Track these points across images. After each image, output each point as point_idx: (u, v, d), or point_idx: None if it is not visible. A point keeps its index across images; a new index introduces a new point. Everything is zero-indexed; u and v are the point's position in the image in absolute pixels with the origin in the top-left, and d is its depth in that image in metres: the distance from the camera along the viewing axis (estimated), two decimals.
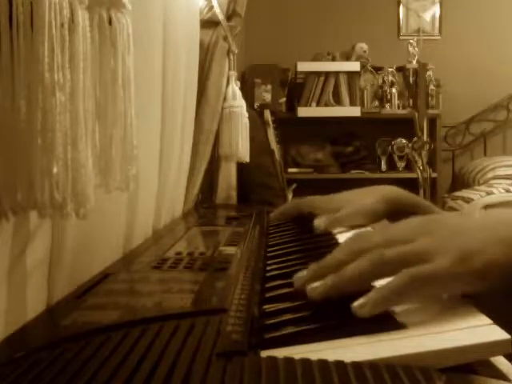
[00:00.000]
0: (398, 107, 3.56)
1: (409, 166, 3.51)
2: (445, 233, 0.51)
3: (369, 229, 0.85)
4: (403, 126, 3.41)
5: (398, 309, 0.48)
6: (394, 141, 3.54)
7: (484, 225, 0.52)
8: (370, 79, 3.57)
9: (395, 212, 0.86)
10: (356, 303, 0.46)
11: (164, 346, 0.40)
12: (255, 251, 0.75)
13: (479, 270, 0.47)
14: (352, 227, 0.88)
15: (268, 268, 0.67)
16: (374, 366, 0.36)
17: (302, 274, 0.54)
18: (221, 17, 1.43)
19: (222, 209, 1.43)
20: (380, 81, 3.57)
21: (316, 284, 0.50)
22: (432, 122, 3.47)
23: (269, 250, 0.79)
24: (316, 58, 3.55)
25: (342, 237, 0.86)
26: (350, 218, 0.88)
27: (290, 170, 3.42)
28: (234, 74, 1.51)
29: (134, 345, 0.40)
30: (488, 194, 3.03)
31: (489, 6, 3.73)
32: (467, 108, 3.67)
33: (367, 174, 3.50)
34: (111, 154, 0.50)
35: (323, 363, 0.36)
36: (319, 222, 0.87)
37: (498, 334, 0.42)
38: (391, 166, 3.62)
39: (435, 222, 0.54)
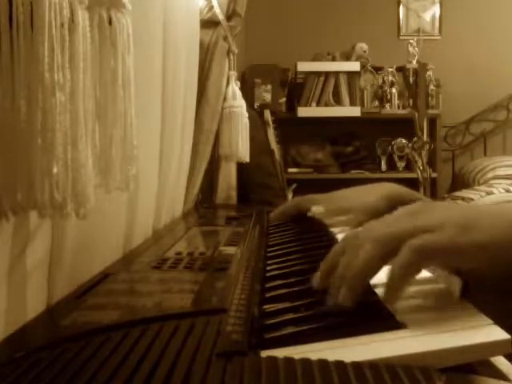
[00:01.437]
0: (398, 107, 3.56)
1: (409, 166, 3.51)
2: (447, 210, 0.52)
3: None
4: (403, 126, 3.41)
5: (397, 308, 0.48)
6: (394, 141, 3.54)
7: (488, 207, 0.54)
8: (369, 79, 3.57)
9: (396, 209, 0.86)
10: (382, 296, 0.48)
11: (164, 346, 0.40)
12: (255, 251, 0.75)
13: (481, 243, 0.48)
14: (353, 226, 0.88)
15: (268, 268, 0.67)
16: (373, 365, 0.36)
17: (316, 275, 0.55)
18: (221, 17, 1.43)
19: (222, 209, 1.43)
20: (380, 81, 3.57)
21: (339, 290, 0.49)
22: (432, 121, 3.47)
23: (269, 250, 0.79)
24: (316, 58, 3.55)
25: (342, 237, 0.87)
26: (349, 213, 0.88)
27: (290, 169, 3.42)
28: (234, 74, 1.51)
29: (133, 345, 0.40)
30: (488, 193, 3.03)
31: (489, 6, 3.73)
32: (467, 108, 3.67)
33: (367, 174, 3.50)
34: (111, 154, 0.50)
35: (323, 363, 0.36)
36: (318, 208, 0.87)
37: (497, 334, 0.42)
38: (391, 166, 3.62)
39: (436, 204, 0.56)
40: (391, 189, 0.90)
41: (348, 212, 0.88)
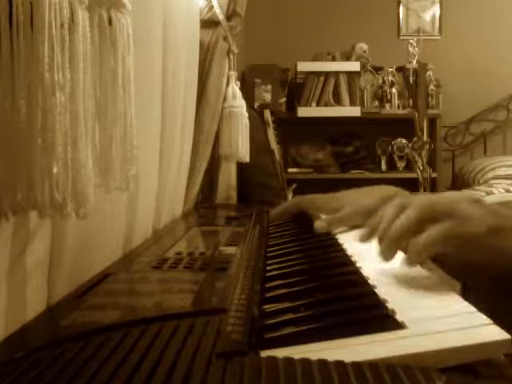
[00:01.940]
0: (398, 107, 3.56)
1: (409, 166, 3.51)
2: (484, 210, 0.61)
3: None
4: (403, 126, 3.41)
5: (397, 308, 0.48)
6: (394, 141, 3.54)
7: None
8: (369, 79, 3.57)
9: None
10: (402, 259, 0.58)
11: (164, 346, 0.40)
12: (255, 251, 0.75)
13: (503, 248, 0.57)
14: (352, 227, 0.88)
15: (268, 268, 0.67)
16: (373, 366, 0.36)
17: (364, 230, 0.67)
18: (221, 17, 1.43)
19: (222, 209, 1.43)
20: (380, 81, 3.57)
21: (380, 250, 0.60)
22: (432, 121, 3.47)
23: (269, 250, 0.79)
24: (316, 58, 3.55)
25: (342, 237, 0.87)
26: (350, 218, 0.88)
27: (290, 169, 3.42)
28: (234, 74, 1.51)
29: (134, 345, 0.40)
30: (488, 193, 3.02)
31: (489, 6, 3.73)
32: (467, 108, 3.67)
33: (367, 174, 3.50)
34: (111, 154, 0.50)
35: (323, 363, 0.36)
36: (320, 224, 0.88)
37: (497, 334, 0.42)
38: (391, 166, 3.62)
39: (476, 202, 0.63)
40: (389, 191, 0.94)
41: (347, 215, 0.89)
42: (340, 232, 0.91)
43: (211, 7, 1.42)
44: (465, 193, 0.84)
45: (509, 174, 3.25)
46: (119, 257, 0.76)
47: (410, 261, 0.57)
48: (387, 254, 0.59)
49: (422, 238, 0.56)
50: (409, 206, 0.60)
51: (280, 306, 0.51)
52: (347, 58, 3.57)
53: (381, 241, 0.61)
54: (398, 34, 3.83)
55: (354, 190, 0.99)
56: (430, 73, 3.53)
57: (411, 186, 3.14)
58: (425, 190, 3.05)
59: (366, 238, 0.66)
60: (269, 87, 3.45)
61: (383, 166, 3.64)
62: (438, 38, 3.82)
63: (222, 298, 0.51)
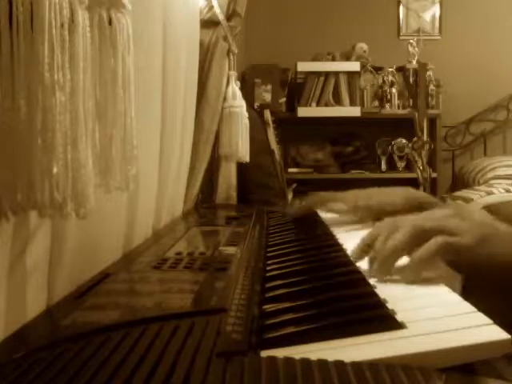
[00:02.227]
0: (398, 107, 3.55)
1: (409, 166, 3.51)
2: (474, 219, 0.64)
3: None
4: (403, 126, 3.40)
5: (397, 308, 0.48)
6: (394, 141, 3.54)
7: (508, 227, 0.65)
8: (369, 79, 3.56)
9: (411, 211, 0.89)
10: (396, 269, 0.59)
11: (164, 346, 0.40)
12: (255, 251, 0.75)
13: (493, 256, 0.60)
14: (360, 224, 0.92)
15: (268, 268, 0.67)
16: (373, 366, 0.36)
17: (355, 248, 0.68)
18: (221, 17, 1.43)
19: (222, 209, 1.43)
20: (380, 81, 3.57)
21: (374, 266, 0.61)
22: (432, 121, 3.47)
23: (269, 250, 0.79)
24: (316, 58, 3.54)
25: (342, 237, 0.87)
26: (369, 211, 0.92)
27: (290, 169, 3.42)
28: (234, 74, 1.51)
29: (134, 345, 0.40)
30: (488, 193, 3.02)
31: (489, 5, 3.73)
32: (467, 108, 3.66)
33: (367, 174, 3.50)
34: (111, 154, 0.50)
35: (323, 363, 0.36)
36: (337, 205, 0.92)
37: (497, 334, 0.42)
38: (391, 166, 3.62)
39: (466, 211, 0.67)
40: (409, 192, 0.96)
41: (368, 210, 0.92)
42: (340, 232, 0.91)
43: (211, 7, 1.42)
44: (453, 207, 0.88)
45: (509, 173, 3.25)
46: (119, 257, 0.76)
47: (409, 276, 0.59)
48: (379, 274, 0.61)
49: (418, 253, 0.59)
50: (401, 225, 0.63)
51: (280, 305, 0.51)
52: (347, 58, 3.57)
53: (372, 260, 0.63)
54: (398, 34, 3.83)
55: (374, 189, 1.01)
56: (429, 73, 3.53)
57: (411, 186, 3.13)
58: (425, 190, 3.05)
59: (358, 258, 0.67)
60: (269, 87, 3.44)
61: (383, 166, 3.63)
62: (438, 37, 3.82)
63: (221, 297, 0.51)
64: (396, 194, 0.95)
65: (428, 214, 0.67)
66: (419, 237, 0.61)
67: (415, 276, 0.58)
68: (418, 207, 0.89)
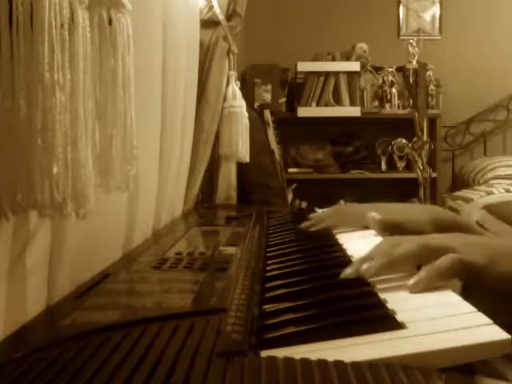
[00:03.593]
0: (398, 107, 3.55)
1: (409, 166, 3.51)
2: (482, 243, 0.65)
3: None
4: (403, 126, 3.40)
5: (397, 308, 0.48)
6: (394, 141, 3.54)
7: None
8: (369, 79, 3.56)
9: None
10: (410, 282, 0.55)
11: (164, 346, 0.40)
12: (255, 251, 0.75)
13: (502, 275, 0.59)
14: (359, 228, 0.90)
15: (268, 268, 0.67)
16: (373, 365, 0.36)
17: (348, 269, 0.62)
18: (221, 17, 1.43)
19: (222, 209, 1.43)
20: (380, 81, 3.57)
21: (367, 265, 0.59)
22: (432, 121, 3.47)
23: (269, 250, 0.79)
24: (316, 58, 3.54)
25: (342, 237, 0.87)
26: (399, 228, 0.87)
27: (290, 169, 3.42)
28: (234, 74, 1.51)
29: (134, 345, 0.40)
30: (488, 193, 3.03)
31: (489, 6, 3.73)
32: (467, 108, 3.66)
33: (367, 174, 3.50)
34: (111, 154, 0.50)
35: (323, 363, 0.36)
36: (375, 214, 0.87)
37: (497, 334, 0.42)
38: (391, 166, 3.62)
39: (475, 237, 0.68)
40: (437, 212, 0.93)
41: (398, 226, 0.85)
42: (340, 232, 0.91)
43: (211, 7, 1.42)
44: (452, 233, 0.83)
45: (509, 174, 3.25)
46: (119, 257, 0.76)
47: (421, 287, 0.56)
48: (365, 273, 0.59)
49: (436, 265, 0.57)
50: (403, 243, 0.62)
51: (280, 306, 0.51)
52: (347, 58, 3.57)
53: (366, 260, 0.60)
54: (398, 34, 3.83)
55: (401, 204, 1.00)
56: (429, 73, 3.53)
57: (411, 186, 3.14)
58: (425, 190, 3.05)
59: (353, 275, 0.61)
60: (269, 87, 3.44)
61: (383, 166, 3.63)
62: (438, 37, 3.82)
63: (221, 297, 0.51)
64: (422, 213, 0.90)
65: (436, 235, 0.68)
66: (427, 254, 0.59)
67: (427, 286, 0.56)
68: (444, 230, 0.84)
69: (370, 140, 3.63)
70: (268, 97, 3.43)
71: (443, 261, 0.57)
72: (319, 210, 1.13)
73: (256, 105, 3.12)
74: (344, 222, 0.96)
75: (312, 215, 1.02)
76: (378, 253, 0.62)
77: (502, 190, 3.05)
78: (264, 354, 0.40)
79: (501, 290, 0.60)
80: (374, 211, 0.88)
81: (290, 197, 2.35)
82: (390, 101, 3.56)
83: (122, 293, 0.58)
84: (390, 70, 3.56)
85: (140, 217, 0.88)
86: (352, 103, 3.48)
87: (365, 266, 0.59)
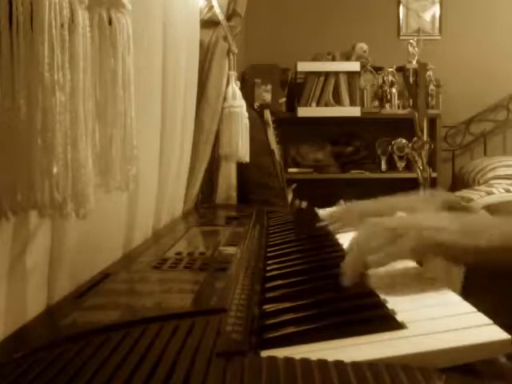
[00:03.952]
0: (398, 107, 3.55)
1: (409, 166, 3.51)
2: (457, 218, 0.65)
3: None
4: (403, 126, 3.40)
5: (397, 308, 0.48)
6: (394, 141, 3.54)
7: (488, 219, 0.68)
8: (370, 79, 3.56)
9: None
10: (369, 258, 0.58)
11: (164, 346, 0.40)
12: (255, 251, 0.75)
13: (479, 246, 0.59)
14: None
15: (268, 268, 0.67)
16: (373, 365, 0.36)
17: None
18: (221, 17, 1.43)
19: (222, 209, 1.43)
20: (380, 81, 3.56)
21: (374, 257, 0.60)
22: (432, 121, 3.46)
23: (269, 250, 0.79)
24: (316, 58, 3.54)
25: (342, 237, 0.87)
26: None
27: (290, 169, 3.42)
28: (233, 74, 1.51)
29: (134, 345, 0.40)
30: (488, 193, 3.02)
31: (489, 6, 3.73)
32: (467, 108, 3.66)
33: (367, 174, 3.49)
34: (111, 154, 0.50)
35: (323, 363, 0.36)
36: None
37: (497, 334, 0.42)
38: (391, 166, 3.62)
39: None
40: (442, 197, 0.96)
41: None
42: (340, 232, 0.91)
43: (211, 7, 1.42)
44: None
45: (509, 174, 3.25)
46: (119, 257, 0.76)
47: (376, 266, 0.60)
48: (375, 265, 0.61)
49: (391, 248, 0.59)
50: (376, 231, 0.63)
51: (280, 306, 0.51)
52: (347, 58, 3.57)
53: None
54: (398, 34, 3.83)
55: (406, 198, 1.00)
56: (429, 73, 3.53)
57: (411, 186, 3.13)
58: (425, 190, 3.05)
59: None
60: (269, 87, 3.44)
61: (383, 166, 3.63)
62: (438, 37, 3.82)
63: (221, 297, 0.51)
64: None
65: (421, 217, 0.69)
66: (391, 236, 0.60)
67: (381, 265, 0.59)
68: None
69: (369, 140, 3.63)
70: (268, 97, 3.43)
71: (405, 240, 0.59)
72: (326, 210, 1.12)
73: (256, 105, 3.12)
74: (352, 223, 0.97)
75: (325, 215, 1.03)
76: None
77: (502, 190, 3.05)
78: (264, 353, 0.40)
79: (482, 266, 0.62)
80: (381, 207, 0.93)
81: (289, 197, 2.35)
82: (390, 101, 3.56)
83: (121, 293, 0.58)
84: (390, 70, 3.56)
85: (140, 217, 0.88)
86: (352, 103, 3.48)
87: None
